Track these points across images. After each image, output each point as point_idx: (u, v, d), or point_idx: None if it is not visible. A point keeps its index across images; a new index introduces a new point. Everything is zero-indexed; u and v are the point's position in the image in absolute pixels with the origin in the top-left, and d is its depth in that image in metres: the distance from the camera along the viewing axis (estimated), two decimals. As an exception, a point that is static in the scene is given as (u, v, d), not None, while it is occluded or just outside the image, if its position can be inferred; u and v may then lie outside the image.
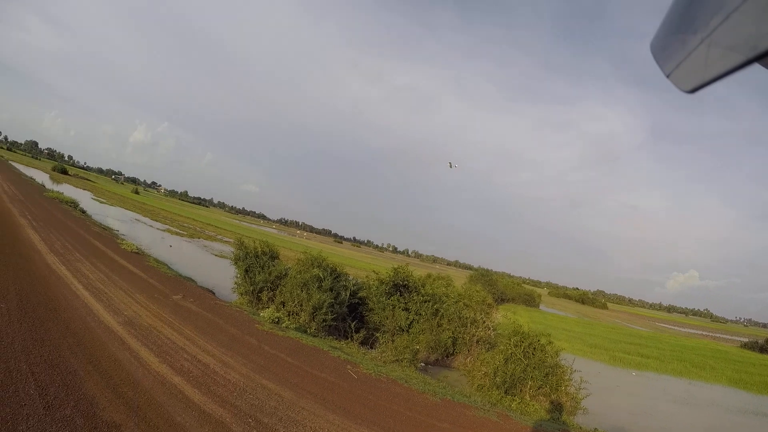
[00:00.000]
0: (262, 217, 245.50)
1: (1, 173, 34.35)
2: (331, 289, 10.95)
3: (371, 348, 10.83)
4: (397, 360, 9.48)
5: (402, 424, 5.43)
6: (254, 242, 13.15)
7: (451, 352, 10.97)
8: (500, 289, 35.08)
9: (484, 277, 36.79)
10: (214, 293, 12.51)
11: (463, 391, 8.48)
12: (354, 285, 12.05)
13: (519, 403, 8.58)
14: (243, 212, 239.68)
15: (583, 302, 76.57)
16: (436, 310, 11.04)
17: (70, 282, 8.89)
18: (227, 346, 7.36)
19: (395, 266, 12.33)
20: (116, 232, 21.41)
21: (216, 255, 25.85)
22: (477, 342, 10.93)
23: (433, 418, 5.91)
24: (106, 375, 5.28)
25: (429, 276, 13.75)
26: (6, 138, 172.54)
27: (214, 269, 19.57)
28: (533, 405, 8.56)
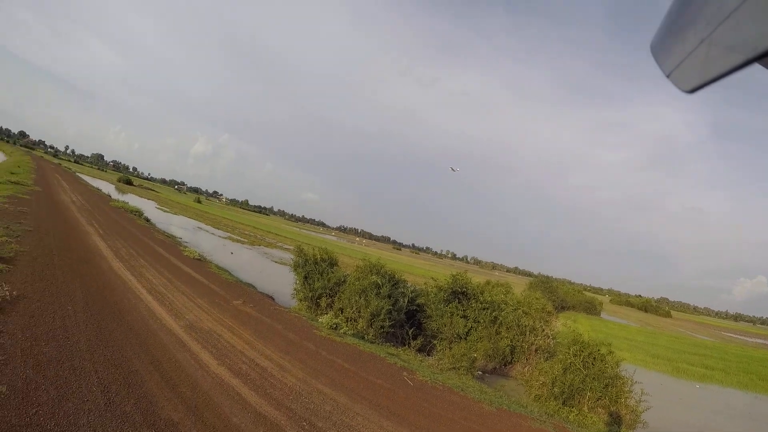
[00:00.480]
0: (322, 224, 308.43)
1: (69, 184, 42.26)
2: (389, 296, 13.34)
3: (428, 355, 12.93)
4: (454, 368, 11.37)
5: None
6: (313, 249, 16.29)
7: (509, 360, 13.18)
8: (560, 297, 41.77)
9: (544, 284, 44.25)
10: (273, 299, 15.09)
11: (519, 400, 9.98)
12: (412, 292, 14.58)
13: (576, 415, 10.08)
14: (303, 220, 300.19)
15: (645, 310, 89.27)
16: (495, 317, 13.33)
17: (134, 286, 10.96)
18: (285, 351, 8.85)
19: (454, 273, 14.87)
20: (179, 239, 26.06)
21: (276, 262, 31.39)
22: (536, 351, 13.11)
23: (488, 428, 7.11)
24: (166, 375, 6.51)
25: (488, 283, 15.77)
26: (73, 151, 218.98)
27: (274, 275, 23.63)
28: (591, 417, 10.08)
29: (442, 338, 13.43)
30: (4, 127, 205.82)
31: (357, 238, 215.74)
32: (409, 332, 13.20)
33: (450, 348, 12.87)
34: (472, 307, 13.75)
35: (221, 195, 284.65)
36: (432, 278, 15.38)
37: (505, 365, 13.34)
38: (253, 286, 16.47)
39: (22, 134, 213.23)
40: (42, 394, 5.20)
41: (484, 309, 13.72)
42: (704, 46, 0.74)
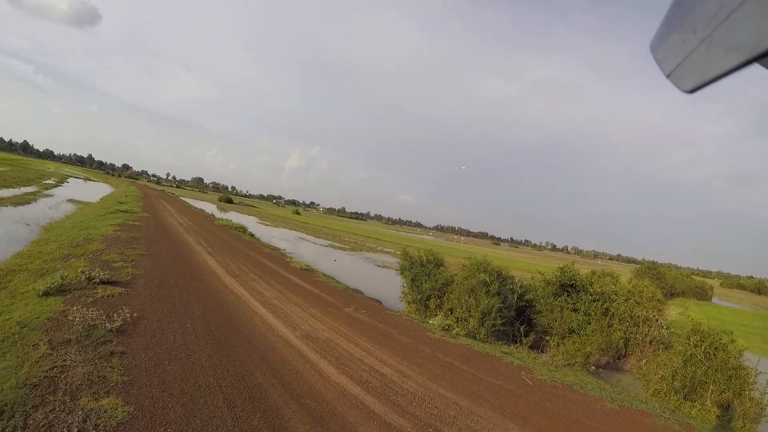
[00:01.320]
0: (419, 225, 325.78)
1: (174, 208, 45.91)
2: (498, 293, 13.61)
3: (541, 352, 13.08)
4: (568, 364, 11.57)
5: None
6: (419, 251, 16.77)
7: (623, 353, 13.22)
8: (668, 283, 42.24)
9: (650, 270, 44.64)
10: (381, 303, 15.60)
11: (638, 396, 9.86)
12: (521, 288, 14.80)
13: (699, 410, 9.87)
14: (399, 222, 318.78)
15: (759, 293, 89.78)
16: (606, 309, 13.40)
17: (248, 300, 11.48)
18: (402, 356, 9.01)
19: (561, 266, 15.08)
20: (284, 251, 27.35)
21: (379, 266, 32.95)
22: (650, 342, 13.09)
23: (612, 427, 7.07)
24: (289, 387, 6.68)
25: (593, 273, 15.65)
26: (174, 177, 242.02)
27: (379, 279, 24.93)
28: (714, 412, 9.83)
29: (553, 333, 13.60)
30: (108, 162, 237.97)
31: (455, 236, 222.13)
32: (521, 329, 13.42)
33: (562, 343, 13.08)
34: (581, 299, 13.89)
35: (318, 205, 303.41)
36: (539, 272, 15.64)
37: (618, 359, 13.37)
38: (361, 292, 17.03)
39: (126, 167, 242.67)
40: (169, 413, 5.41)
41: (594, 301, 13.77)
42: (704, 46, 0.76)
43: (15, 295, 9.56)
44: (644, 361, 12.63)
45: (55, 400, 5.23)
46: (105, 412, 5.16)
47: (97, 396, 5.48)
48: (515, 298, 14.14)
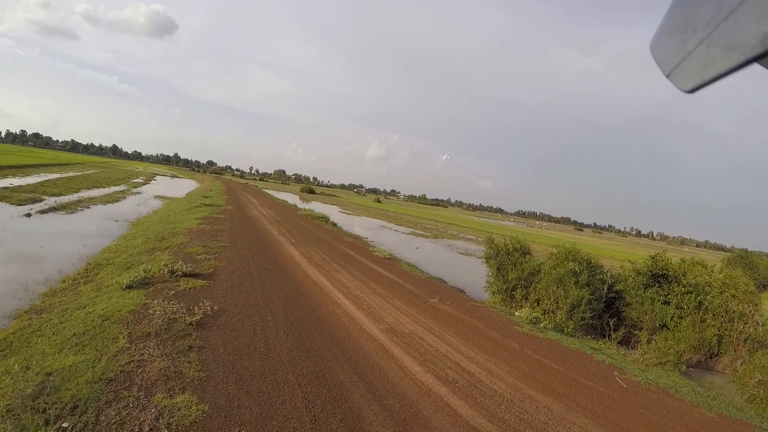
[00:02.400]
0: (499, 211, 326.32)
1: (258, 200, 47.12)
2: (587, 284, 13.06)
3: (630, 348, 12.45)
4: (659, 363, 10.98)
5: None
6: (504, 239, 16.47)
7: (715, 352, 12.50)
8: (761, 274, 39.38)
9: (742, 259, 41.92)
10: (465, 293, 15.29)
11: (734, 402, 9.13)
12: (611, 278, 14.19)
13: None
14: (480, 208, 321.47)
15: None
16: (700, 302, 12.64)
17: (330, 292, 11.36)
18: (489, 352, 8.65)
19: (652, 254, 14.37)
20: (366, 239, 27.63)
21: (461, 253, 32.75)
22: (744, 341, 12.27)
23: None
24: (372, 386, 6.37)
25: (683, 261, 14.64)
26: (257, 171, 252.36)
27: (461, 268, 24.77)
28: None
29: (641, 328, 12.99)
30: (193, 159, 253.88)
31: (537, 222, 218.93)
32: (610, 323, 12.94)
33: (652, 339, 12.50)
34: (674, 291, 13.14)
35: (398, 192, 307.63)
36: (629, 261, 15.03)
37: (710, 357, 12.58)
38: (444, 281, 16.69)
39: (210, 163, 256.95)
40: (245, 413, 5.21)
41: (687, 293, 12.97)
42: (704, 46, 0.78)
43: (100, 288, 9.91)
44: (739, 361, 11.67)
45: (129, 396, 5.14)
46: (179, 410, 5.00)
47: (172, 393, 5.35)
48: (605, 289, 13.66)
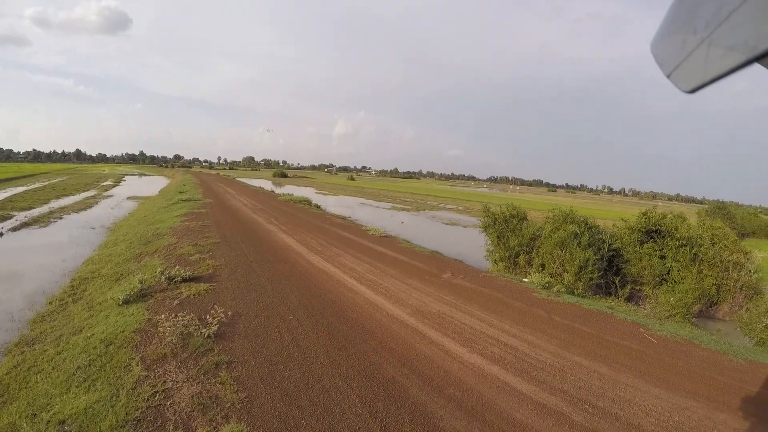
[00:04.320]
0: (471, 178, 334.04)
1: (234, 189, 45.92)
2: (589, 245, 13.38)
3: (636, 304, 12.97)
4: (669, 316, 11.41)
5: (725, 393, 6.19)
6: (500, 207, 16.59)
7: (715, 301, 13.04)
8: (738, 223, 41.73)
9: (720, 210, 44.22)
10: (463, 263, 15.12)
11: (748, 347, 9.35)
12: (610, 237, 14.54)
13: None
14: (452, 177, 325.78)
15: None
16: (695, 255, 13.16)
17: (342, 279, 10.84)
18: (521, 323, 8.56)
19: (643, 211, 14.88)
20: (353, 219, 27.08)
21: (446, 224, 32.91)
22: (741, 288, 12.86)
23: (750, 384, 6.74)
24: (425, 377, 5.98)
25: (664, 216, 15.15)
26: (226, 160, 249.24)
27: (452, 239, 24.95)
28: None
29: (642, 283, 13.48)
30: (159, 155, 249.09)
31: (510, 186, 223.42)
32: (616, 281, 13.35)
33: (654, 294, 13.05)
34: (668, 245, 13.63)
35: (370, 168, 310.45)
36: (622, 219, 15.59)
37: (710, 306, 13.16)
38: (440, 253, 16.51)
39: (177, 157, 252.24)
40: None
41: (681, 246, 13.46)
42: (704, 46, 0.78)
43: (92, 307, 9.10)
44: (744, 309, 12.34)
45: None
46: None
47: (215, 424, 4.77)
48: (606, 248, 13.97)
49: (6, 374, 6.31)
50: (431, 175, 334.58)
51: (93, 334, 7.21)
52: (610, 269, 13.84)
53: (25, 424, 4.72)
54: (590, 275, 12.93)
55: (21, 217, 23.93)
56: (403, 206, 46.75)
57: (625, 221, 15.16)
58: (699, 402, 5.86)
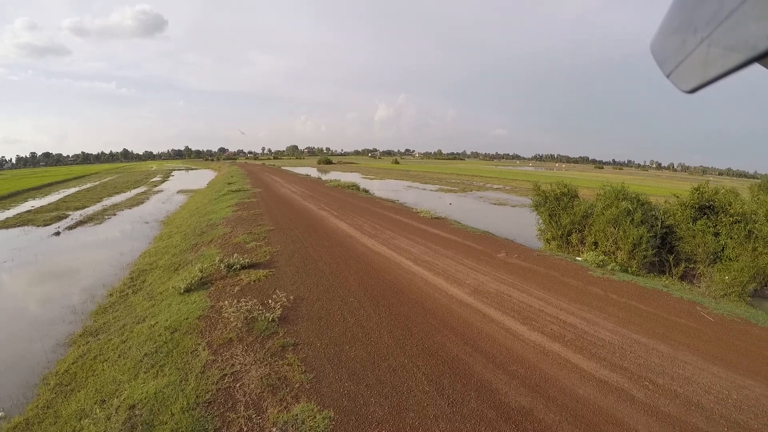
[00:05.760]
0: (516, 157, 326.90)
1: (281, 178, 46.28)
2: (642, 222, 13.18)
3: (690, 283, 12.66)
4: (725, 294, 11.15)
5: None
6: (550, 185, 16.34)
7: None
8: None
9: None
10: (514, 242, 15.16)
11: None
12: (664, 213, 14.12)
13: None
14: (497, 157, 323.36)
15: None
16: (749, 231, 12.55)
17: (398, 261, 10.94)
18: (578, 300, 8.55)
19: (696, 186, 14.38)
20: (402, 202, 27.17)
21: (494, 203, 32.87)
22: None
23: None
24: (488, 354, 6.05)
25: (717, 191, 14.36)
26: (270, 150, 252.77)
27: (501, 218, 24.86)
28: None
29: (696, 261, 13.08)
30: (205, 149, 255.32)
31: (556, 164, 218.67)
32: (670, 259, 13.07)
33: (708, 272, 12.59)
34: (722, 222, 13.09)
35: (413, 151, 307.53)
36: (674, 195, 15.08)
37: (765, 286, 12.62)
38: (491, 233, 16.47)
39: (222, 150, 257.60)
40: (375, 410, 4.76)
41: (735, 222, 12.92)
42: (704, 46, 0.78)
43: (153, 297, 9.44)
44: None
45: (238, 418, 4.68)
46: (302, 422, 4.56)
47: (286, 404, 4.89)
48: (659, 225, 13.66)
49: (72, 363, 6.69)
50: (475, 155, 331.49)
51: (157, 322, 7.53)
52: (663, 247, 13.53)
53: (97, 410, 4.95)
54: (644, 253, 12.75)
55: (76, 216, 25.03)
56: (449, 188, 46.39)
57: (677, 197, 14.68)
58: (757, 381, 5.80)
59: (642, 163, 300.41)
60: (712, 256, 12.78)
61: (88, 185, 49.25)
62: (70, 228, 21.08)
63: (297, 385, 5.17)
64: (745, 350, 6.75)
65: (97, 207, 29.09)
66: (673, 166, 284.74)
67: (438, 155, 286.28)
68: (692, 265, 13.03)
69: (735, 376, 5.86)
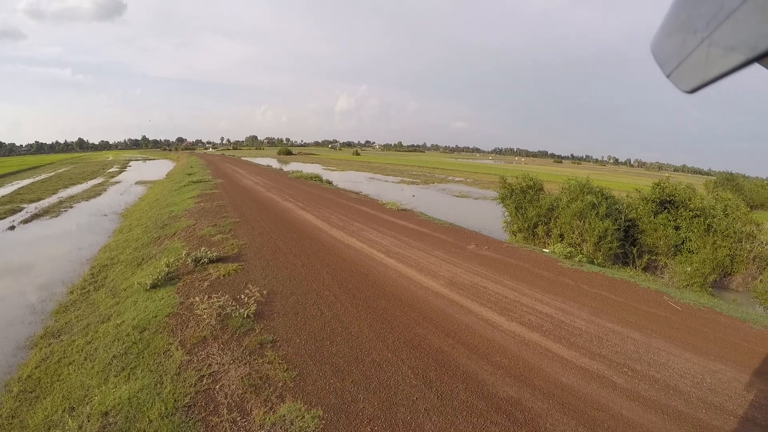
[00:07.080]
0: (476, 150, 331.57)
1: (242, 169, 45.58)
2: (607, 215, 13.50)
3: (653, 274, 13.13)
4: (687, 285, 11.67)
5: (750, 357, 6.39)
6: (516, 178, 16.64)
7: (729, 272, 13.26)
8: (747, 195, 41.27)
9: (729, 181, 44.21)
10: (481, 234, 15.22)
11: (765, 315, 9.42)
12: (627, 207, 14.72)
13: None
14: (457, 149, 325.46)
15: None
16: (708, 225, 13.33)
17: (369, 252, 10.89)
18: (551, 291, 8.77)
19: (656, 181, 15.04)
20: (365, 194, 27.10)
21: (457, 196, 33.26)
22: (753, 259, 13.10)
23: None
24: (470, 346, 6.10)
25: (677, 187, 15.18)
26: (229, 140, 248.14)
27: (465, 210, 25.34)
28: None
29: (657, 253, 13.75)
30: (162, 139, 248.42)
31: (515, 158, 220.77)
32: (634, 251, 13.60)
33: (668, 264, 13.35)
34: (682, 216, 13.84)
35: (374, 143, 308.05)
36: (636, 189, 15.86)
37: (724, 276, 13.40)
38: (456, 225, 16.57)
39: (180, 140, 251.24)
40: (365, 406, 4.69)
41: (695, 217, 13.69)
42: (704, 46, 0.78)
43: (117, 293, 9.07)
44: (759, 279, 12.59)
45: (222, 422, 4.50)
46: (291, 423, 4.43)
47: (270, 404, 4.77)
48: (623, 218, 14.14)
49: (36, 368, 6.30)
50: (435, 147, 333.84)
51: (123, 321, 7.20)
52: (626, 239, 14.02)
53: (67, 418, 4.66)
54: (610, 245, 13.12)
55: (31, 208, 23.96)
56: (411, 179, 46.91)
57: (639, 192, 15.32)
58: (727, 365, 6.05)
59: (600, 159, 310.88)
60: (673, 249, 13.35)
61: (43, 176, 47.12)
62: (25, 222, 20.14)
63: (280, 384, 5.03)
64: (713, 337, 7.03)
65: (53, 199, 27.95)
66: (629, 162, 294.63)
67: (398, 147, 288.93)
68: (654, 257, 13.60)
69: (707, 362, 6.11)
